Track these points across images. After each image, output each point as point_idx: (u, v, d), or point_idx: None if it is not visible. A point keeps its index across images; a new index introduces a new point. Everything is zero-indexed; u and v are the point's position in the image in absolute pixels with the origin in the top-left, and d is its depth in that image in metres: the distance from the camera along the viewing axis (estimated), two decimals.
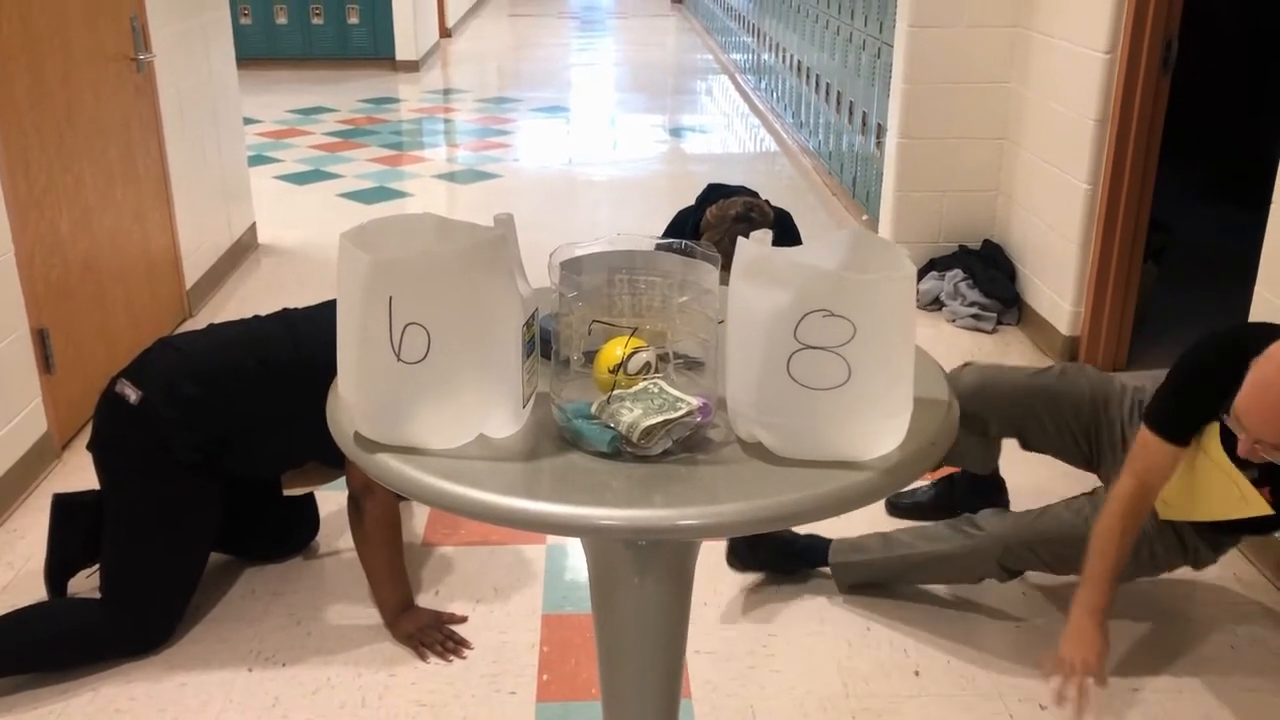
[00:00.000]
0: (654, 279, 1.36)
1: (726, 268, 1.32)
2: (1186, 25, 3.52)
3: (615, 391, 1.28)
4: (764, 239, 1.29)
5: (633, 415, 1.26)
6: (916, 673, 2.38)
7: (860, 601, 2.61)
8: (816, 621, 2.54)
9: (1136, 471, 2.21)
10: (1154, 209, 3.71)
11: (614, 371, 1.30)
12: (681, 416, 1.26)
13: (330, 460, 2.41)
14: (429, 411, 1.24)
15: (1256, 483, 2.13)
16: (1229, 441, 2.08)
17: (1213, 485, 2.20)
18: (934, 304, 4.36)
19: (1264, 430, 1.90)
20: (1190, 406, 2.17)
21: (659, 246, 1.41)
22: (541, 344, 1.37)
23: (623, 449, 1.27)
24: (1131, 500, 2.21)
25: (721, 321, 1.33)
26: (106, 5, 3.62)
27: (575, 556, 2.77)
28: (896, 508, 2.91)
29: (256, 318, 2.51)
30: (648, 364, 1.31)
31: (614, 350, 1.31)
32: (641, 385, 1.30)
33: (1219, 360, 2.11)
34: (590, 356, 1.34)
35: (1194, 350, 2.20)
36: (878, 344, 1.23)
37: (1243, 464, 2.11)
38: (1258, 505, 2.15)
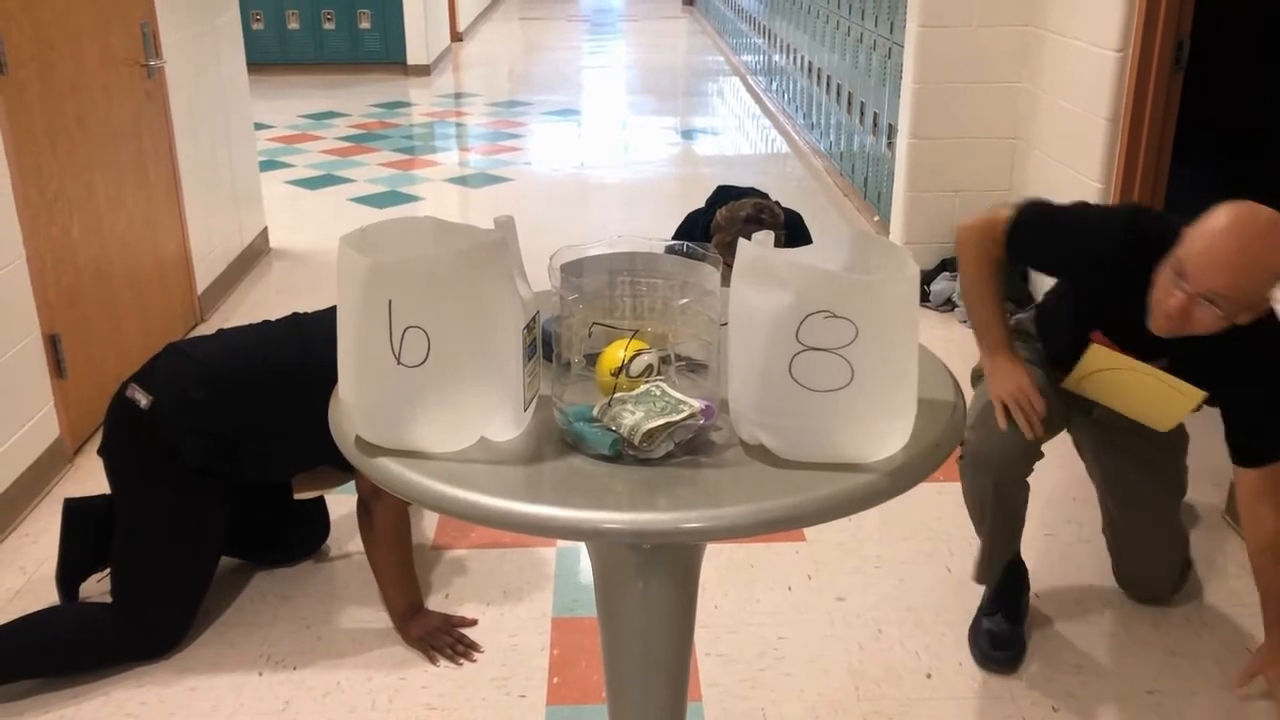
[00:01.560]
0: (655, 281, 1.35)
1: None
2: (1199, 23, 3.49)
3: (617, 394, 1.28)
4: (766, 240, 1.28)
5: (635, 418, 1.25)
6: (928, 675, 2.37)
7: (871, 605, 2.60)
8: (827, 624, 2.53)
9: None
10: (1166, 208, 3.69)
11: (616, 374, 1.30)
12: (684, 419, 1.26)
13: (340, 464, 2.40)
14: (430, 415, 1.24)
15: (1172, 370, 2.12)
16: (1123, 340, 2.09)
17: (1132, 390, 2.19)
18: (946, 304, 4.34)
19: (1214, 280, 1.88)
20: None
21: (668, 249, 1.41)
22: (543, 346, 1.37)
23: (625, 452, 1.26)
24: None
25: (724, 324, 1.32)
26: (117, 11, 3.64)
27: (586, 559, 2.76)
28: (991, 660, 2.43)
29: (266, 322, 2.51)
30: (649, 366, 1.31)
31: (615, 353, 1.31)
32: (643, 388, 1.29)
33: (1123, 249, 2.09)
34: (592, 359, 1.33)
35: (1088, 222, 2.23)
36: (880, 345, 1.22)
37: (1148, 353, 2.09)
38: (1193, 395, 2.11)
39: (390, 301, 1.18)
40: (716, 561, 2.74)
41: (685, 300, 1.33)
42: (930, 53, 4.29)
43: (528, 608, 2.59)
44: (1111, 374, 2.20)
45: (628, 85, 10.41)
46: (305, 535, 2.78)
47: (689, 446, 1.28)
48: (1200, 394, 2.13)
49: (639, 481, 1.25)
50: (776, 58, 8.39)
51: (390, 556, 2.45)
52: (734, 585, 2.67)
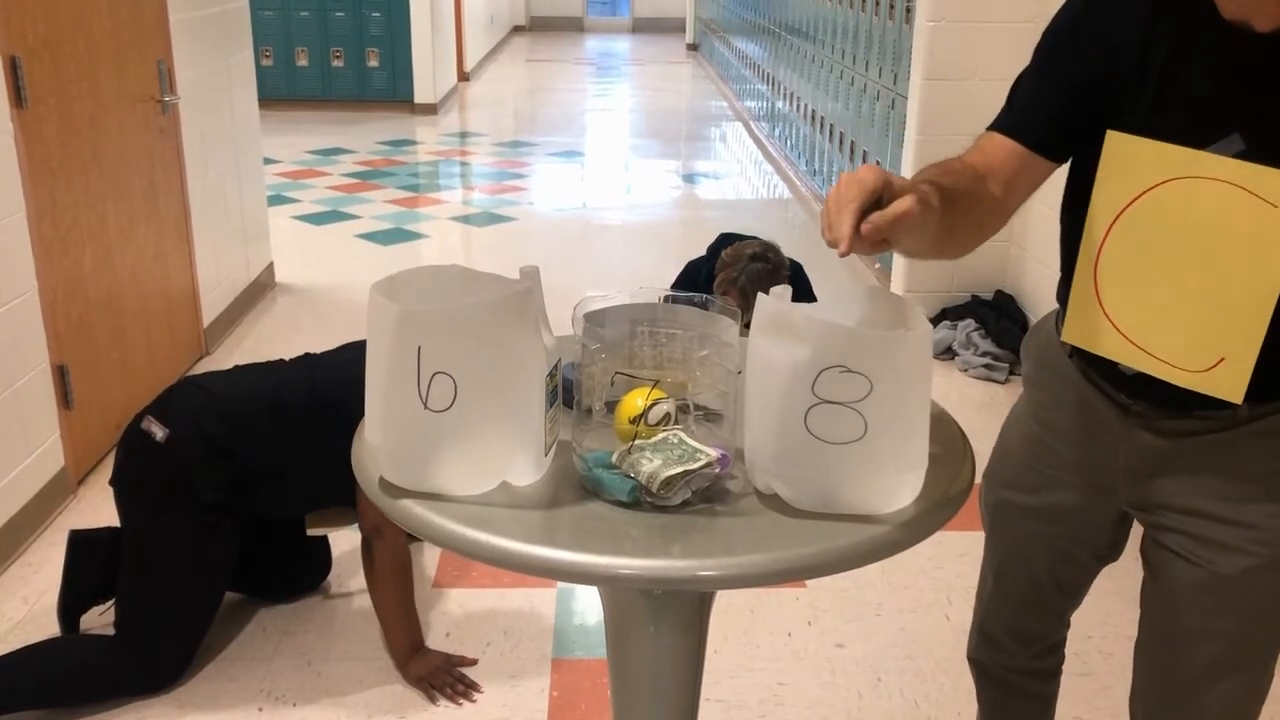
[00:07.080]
0: (675, 331, 1.38)
1: (744, 308, 1.33)
2: None
3: (636, 442, 1.30)
4: (783, 294, 1.31)
5: (652, 465, 1.27)
6: None
7: (871, 653, 2.61)
8: (827, 671, 2.54)
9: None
10: None
11: (634, 422, 1.32)
12: (701, 467, 1.28)
13: (351, 502, 2.43)
14: (453, 459, 1.26)
15: (1254, 151, 1.23)
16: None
17: (1190, 243, 1.24)
18: (946, 353, 4.37)
19: None
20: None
21: (668, 298, 1.44)
22: (564, 393, 1.39)
23: (642, 499, 1.28)
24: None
25: (740, 371, 1.35)
26: (135, 49, 3.69)
27: (585, 601, 2.77)
28: None
29: (281, 361, 2.54)
30: (668, 415, 1.33)
31: (635, 401, 1.33)
32: (661, 436, 1.32)
33: None
34: (611, 406, 1.36)
35: None
36: (894, 400, 1.25)
37: (1204, 131, 1.24)
38: None
39: (420, 348, 1.21)
40: (717, 606, 2.72)
41: (704, 352, 1.35)
42: (933, 105, 4.35)
43: (528, 648, 2.60)
44: (1153, 204, 1.26)
45: (631, 128, 10.50)
46: (308, 571, 2.79)
47: (705, 494, 1.30)
48: None
49: (655, 528, 1.27)
50: (780, 104, 8.48)
51: (392, 594, 2.46)
52: (734, 630, 2.68)
